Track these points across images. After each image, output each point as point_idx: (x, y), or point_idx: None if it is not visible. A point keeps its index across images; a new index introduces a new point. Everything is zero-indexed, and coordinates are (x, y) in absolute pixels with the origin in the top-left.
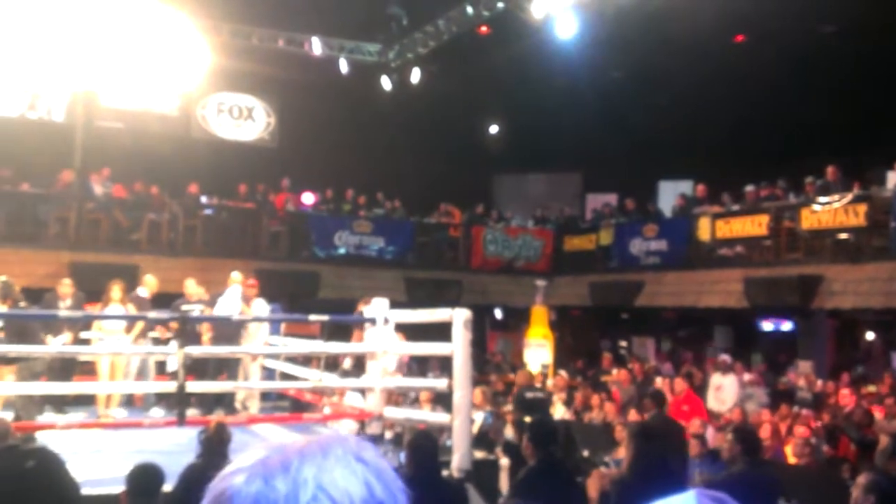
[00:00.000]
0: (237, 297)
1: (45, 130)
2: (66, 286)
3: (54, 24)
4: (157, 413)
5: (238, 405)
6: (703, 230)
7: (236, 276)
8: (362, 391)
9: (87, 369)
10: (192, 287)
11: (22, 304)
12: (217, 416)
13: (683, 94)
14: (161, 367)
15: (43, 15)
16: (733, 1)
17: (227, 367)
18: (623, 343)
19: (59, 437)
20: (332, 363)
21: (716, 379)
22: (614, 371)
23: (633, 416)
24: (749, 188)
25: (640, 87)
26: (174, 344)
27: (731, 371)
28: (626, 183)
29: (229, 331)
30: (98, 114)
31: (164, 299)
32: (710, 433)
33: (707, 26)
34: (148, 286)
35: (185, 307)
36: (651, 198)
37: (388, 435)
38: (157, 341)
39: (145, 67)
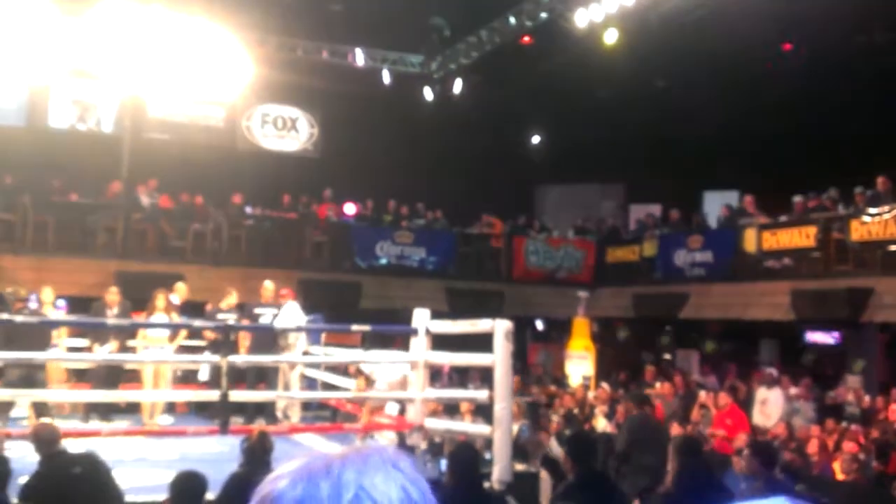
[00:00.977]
0: (296, 311)
1: (94, 142)
2: (113, 294)
3: (103, 38)
4: (165, 420)
5: (279, 414)
6: (750, 242)
7: (269, 285)
8: (402, 402)
9: (132, 377)
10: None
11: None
12: (259, 425)
13: (729, 104)
14: (188, 375)
15: (92, 29)
16: (780, 9)
17: (265, 377)
18: (667, 356)
19: (104, 443)
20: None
21: (761, 393)
22: (657, 384)
23: (676, 429)
24: (797, 199)
25: (684, 97)
26: (207, 352)
27: (776, 385)
28: (670, 193)
29: (267, 340)
30: (145, 125)
31: (198, 308)
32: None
33: (753, 35)
34: (179, 293)
35: (221, 316)
36: (696, 209)
37: (424, 445)
38: (183, 349)
39: (192, 80)
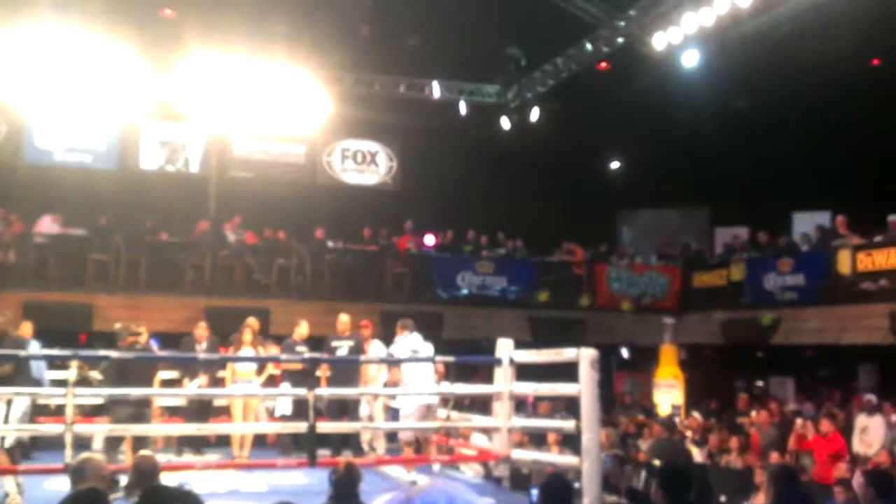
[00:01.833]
0: (416, 343)
1: (182, 182)
2: (201, 329)
3: (190, 83)
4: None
5: (365, 446)
6: (843, 263)
7: (344, 318)
8: (488, 432)
9: (222, 411)
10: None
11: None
12: (346, 457)
13: (816, 122)
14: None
15: (179, 76)
16: (867, 24)
17: (346, 409)
18: (759, 382)
19: (197, 476)
20: (458, 404)
21: (861, 420)
22: (753, 413)
23: (774, 459)
24: (892, 218)
25: (769, 117)
26: (286, 385)
27: (877, 412)
28: (757, 216)
29: (346, 372)
30: (230, 164)
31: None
32: (857, 478)
33: (839, 50)
34: (251, 328)
35: (298, 349)
36: (785, 230)
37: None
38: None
39: (274, 119)
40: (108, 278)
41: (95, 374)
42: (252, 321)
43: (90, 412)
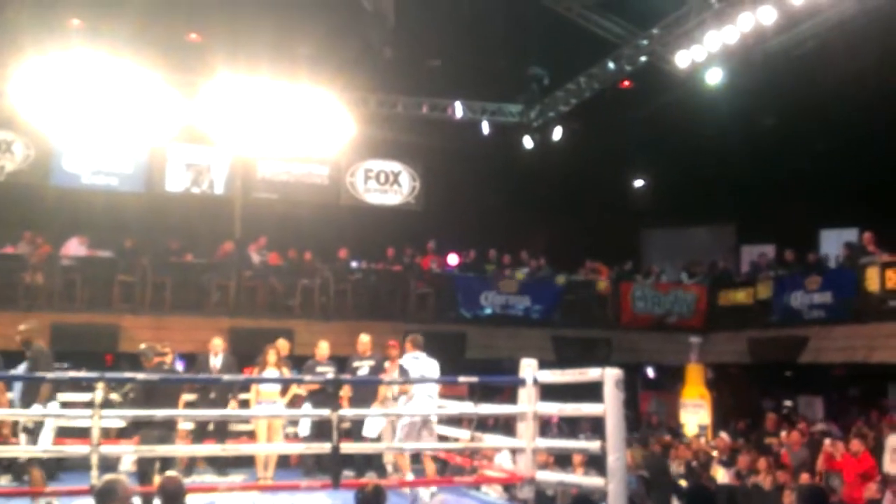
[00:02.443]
0: (421, 362)
1: (207, 204)
2: (216, 342)
3: (215, 106)
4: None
5: (389, 467)
6: (872, 281)
7: (364, 338)
8: (513, 453)
9: (245, 431)
10: (324, 349)
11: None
12: (370, 478)
13: (843, 139)
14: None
15: (204, 100)
16: (892, 39)
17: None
18: (788, 402)
19: (222, 498)
20: (481, 425)
21: (892, 440)
22: (783, 433)
23: (804, 479)
24: None
25: (795, 133)
26: (307, 406)
27: None
28: (784, 233)
29: (366, 393)
30: (254, 186)
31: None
32: (888, 499)
33: (864, 66)
34: (281, 349)
35: (319, 369)
36: (812, 248)
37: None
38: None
39: (297, 141)
40: (134, 299)
41: (115, 397)
42: (282, 343)
43: (115, 434)
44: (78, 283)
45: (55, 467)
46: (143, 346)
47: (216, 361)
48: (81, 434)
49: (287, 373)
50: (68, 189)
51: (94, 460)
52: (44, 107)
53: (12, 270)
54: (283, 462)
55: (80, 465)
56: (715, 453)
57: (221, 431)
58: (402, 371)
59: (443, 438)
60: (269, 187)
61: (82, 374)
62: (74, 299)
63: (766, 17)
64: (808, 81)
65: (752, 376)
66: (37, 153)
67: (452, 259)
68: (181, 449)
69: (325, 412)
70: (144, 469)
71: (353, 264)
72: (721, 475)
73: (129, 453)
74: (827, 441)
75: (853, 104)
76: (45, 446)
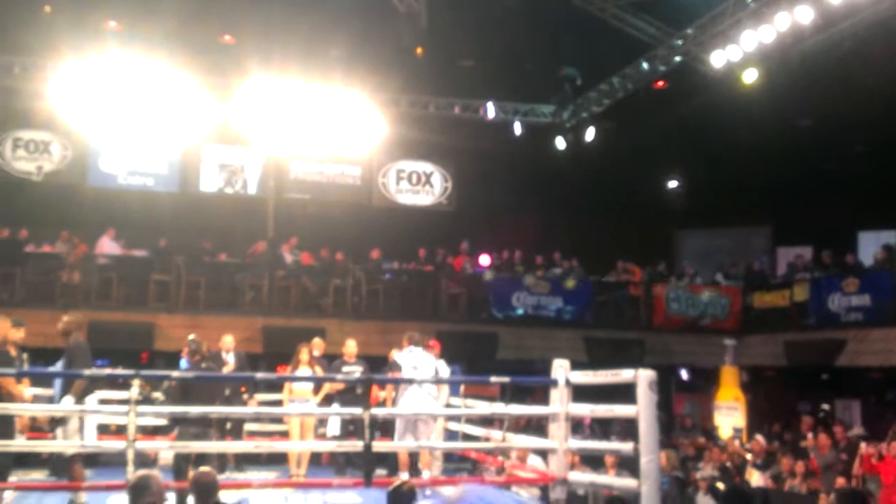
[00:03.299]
0: (417, 359)
1: (240, 204)
2: (228, 339)
3: (248, 108)
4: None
5: (421, 466)
6: None
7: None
8: (544, 453)
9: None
10: (351, 348)
11: (203, 365)
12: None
13: (881, 139)
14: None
15: (238, 101)
16: None
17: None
18: (825, 405)
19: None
20: (513, 425)
21: None
22: (809, 435)
23: (840, 483)
24: None
25: (832, 134)
26: (335, 406)
27: None
28: (821, 235)
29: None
30: (286, 186)
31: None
32: None
33: None
34: (317, 348)
35: (346, 368)
36: (850, 250)
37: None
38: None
39: (330, 141)
40: (168, 298)
41: (158, 395)
42: (317, 342)
43: (151, 432)
44: (114, 282)
45: (91, 462)
46: (192, 336)
47: (229, 358)
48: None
49: (320, 372)
50: (105, 189)
51: (130, 456)
52: (81, 108)
53: (50, 269)
54: (314, 460)
55: (116, 461)
56: (749, 456)
57: (237, 430)
58: (394, 365)
59: (473, 439)
60: (302, 187)
61: (118, 371)
62: (110, 298)
63: (804, 16)
64: (845, 81)
65: (788, 379)
66: (74, 154)
67: (484, 260)
68: (214, 445)
69: (356, 410)
70: (180, 465)
71: (386, 264)
72: (756, 478)
73: (163, 449)
74: (863, 444)
75: (891, 104)
76: (85, 441)
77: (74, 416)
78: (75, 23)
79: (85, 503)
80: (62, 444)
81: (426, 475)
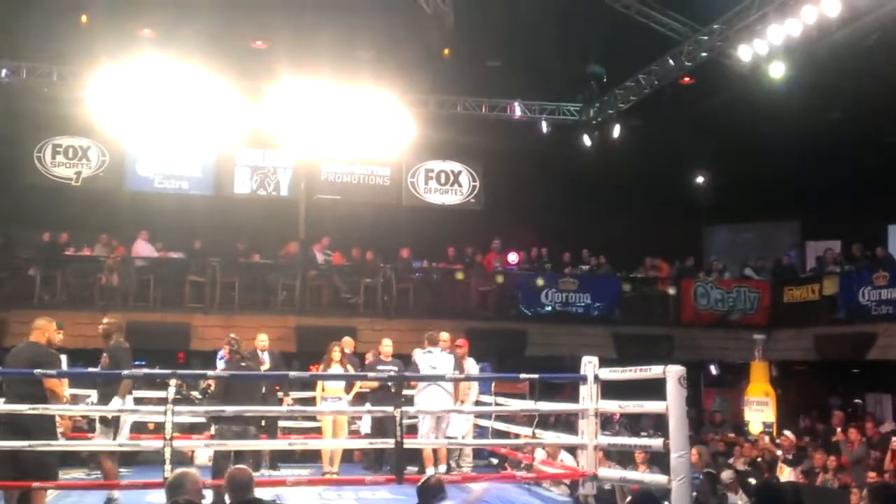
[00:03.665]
0: (437, 359)
1: (272, 205)
2: (263, 337)
3: (280, 111)
4: None
5: (451, 463)
6: None
7: (445, 336)
8: (574, 450)
9: (311, 427)
10: (387, 347)
11: (243, 364)
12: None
13: None
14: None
15: (270, 104)
16: None
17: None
18: (856, 400)
19: (288, 492)
20: (542, 422)
21: None
22: (839, 430)
23: (872, 478)
24: None
25: (861, 127)
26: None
27: None
28: (850, 229)
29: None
30: (317, 187)
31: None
32: None
33: None
34: (346, 347)
35: (381, 367)
36: (880, 243)
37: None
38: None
39: (360, 143)
40: (204, 299)
41: (196, 394)
42: (348, 340)
43: (188, 430)
44: (151, 284)
45: (129, 461)
46: (232, 335)
47: (265, 357)
48: (155, 430)
49: (352, 370)
50: (141, 193)
51: (167, 454)
52: (118, 114)
53: (89, 272)
54: (346, 457)
55: (154, 460)
56: (779, 452)
57: (272, 428)
58: (413, 365)
59: (503, 435)
60: (332, 189)
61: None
62: (148, 299)
63: (830, 9)
64: (873, 75)
65: (819, 374)
66: (111, 159)
67: (512, 258)
68: (250, 443)
69: (388, 409)
70: (219, 463)
71: (416, 263)
72: (787, 474)
73: (199, 447)
74: (894, 440)
75: None
76: (121, 440)
77: (125, 417)
78: (111, 31)
79: (118, 499)
80: (103, 443)
81: (442, 469)
